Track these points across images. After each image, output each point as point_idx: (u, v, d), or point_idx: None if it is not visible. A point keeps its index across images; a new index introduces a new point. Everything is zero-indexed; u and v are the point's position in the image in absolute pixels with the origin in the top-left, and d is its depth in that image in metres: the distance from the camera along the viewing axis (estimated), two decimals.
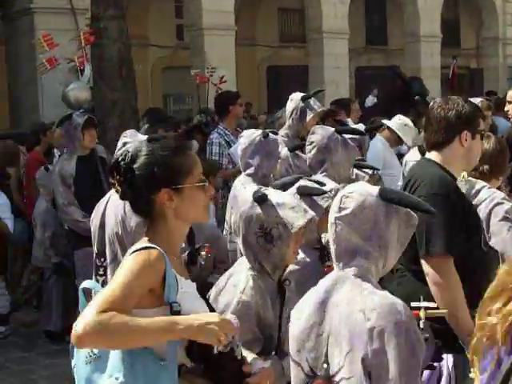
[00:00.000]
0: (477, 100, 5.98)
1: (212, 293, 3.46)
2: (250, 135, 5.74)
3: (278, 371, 3.19)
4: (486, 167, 4.66)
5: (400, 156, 8.30)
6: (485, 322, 2.27)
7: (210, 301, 3.23)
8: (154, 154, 2.81)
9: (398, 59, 23.53)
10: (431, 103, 4.17)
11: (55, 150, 9.15)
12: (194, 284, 2.94)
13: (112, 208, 4.86)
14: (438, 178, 3.83)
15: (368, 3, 26.60)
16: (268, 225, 3.31)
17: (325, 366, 2.64)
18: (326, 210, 2.99)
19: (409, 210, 2.74)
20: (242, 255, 5.82)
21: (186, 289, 2.82)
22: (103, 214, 4.97)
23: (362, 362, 2.54)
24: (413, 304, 3.12)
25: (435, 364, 3.60)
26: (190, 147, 2.98)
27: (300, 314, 2.75)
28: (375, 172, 6.19)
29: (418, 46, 22.22)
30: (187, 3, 18.58)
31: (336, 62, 19.88)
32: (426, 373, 3.57)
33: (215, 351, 2.68)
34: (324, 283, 2.75)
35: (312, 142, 5.18)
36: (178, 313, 2.66)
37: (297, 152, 6.15)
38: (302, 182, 4.27)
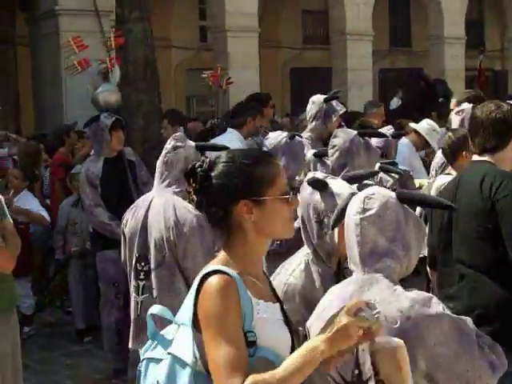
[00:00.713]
0: None
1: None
2: (277, 137, 5.74)
3: None
4: None
5: None
6: None
7: None
8: (234, 162, 2.59)
9: (422, 61, 23.43)
10: (476, 108, 4.24)
11: None
12: (277, 305, 2.70)
13: (158, 212, 4.82)
14: None
15: (392, 4, 26.49)
16: (323, 212, 3.33)
17: (356, 372, 2.62)
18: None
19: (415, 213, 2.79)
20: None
21: (264, 313, 2.56)
22: (145, 218, 4.89)
23: None
24: None
25: None
26: (274, 155, 2.80)
27: (320, 320, 2.69)
28: (405, 171, 6.17)
29: (442, 48, 22.08)
30: (211, 5, 18.62)
31: (360, 64, 19.81)
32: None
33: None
34: (348, 288, 2.75)
35: (334, 146, 5.18)
36: (254, 343, 2.48)
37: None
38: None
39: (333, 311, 2.61)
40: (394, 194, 2.78)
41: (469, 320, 2.72)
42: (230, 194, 2.56)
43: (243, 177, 2.56)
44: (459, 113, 6.63)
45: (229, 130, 7.81)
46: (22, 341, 4.95)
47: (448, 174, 5.59)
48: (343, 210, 2.90)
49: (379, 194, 2.76)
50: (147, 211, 4.89)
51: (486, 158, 4.06)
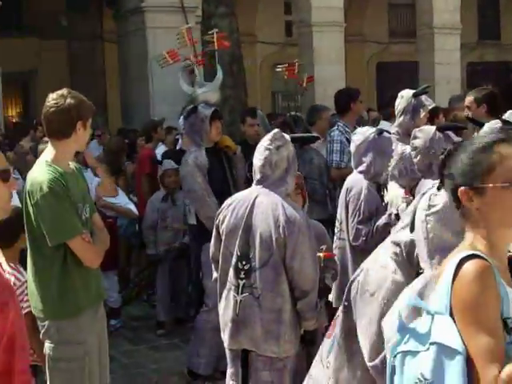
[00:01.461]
0: None
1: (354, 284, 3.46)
2: (364, 132, 5.66)
3: None
4: None
5: None
6: None
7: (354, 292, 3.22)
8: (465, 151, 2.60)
9: (511, 54, 22.89)
10: None
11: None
12: None
13: (265, 211, 4.72)
14: None
15: None
16: None
17: None
18: None
19: None
20: (350, 252, 5.84)
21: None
22: (248, 217, 4.77)
23: None
24: None
25: None
26: (499, 142, 2.65)
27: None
28: None
29: None
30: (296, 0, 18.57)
31: (447, 58, 19.45)
32: None
33: None
34: (416, 285, 2.74)
35: (416, 148, 5.08)
36: None
37: None
38: None
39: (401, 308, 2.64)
40: None
41: None
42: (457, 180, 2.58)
43: (467, 165, 2.56)
44: None
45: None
46: (108, 333, 4.99)
47: None
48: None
49: (444, 191, 2.73)
50: (251, 210, 4.77)
51: None
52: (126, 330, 8.19)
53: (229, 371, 5.06)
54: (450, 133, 5.31)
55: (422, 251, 2.77)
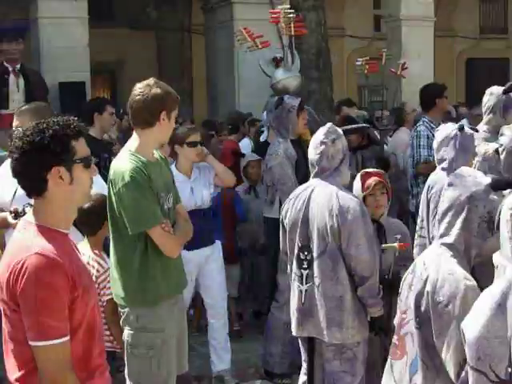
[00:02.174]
0: None
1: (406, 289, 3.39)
2: (446, 128, 5.57)
3: None
4: None
5: None
6: None
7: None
8: None
9: None
10: None
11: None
12: None
13: (321, 202, 4.91)
14: None
15: None
16: (495, 213, 3.17)
17: (509, 370, 2.54)
18: None
19: None
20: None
21: None
22: (306, 209, 4.98)
23: None
24: None
25: None
26: None
27: (475, 321, 2.64)
28: None
29: None
30: None
31: None
32: None
33: None
34: (499, 285, 2.64)
35: (501, 145, 4.98)
36: None
37: None
38: None
39: (482, 307, 2.62)
40: None
41: None
42: None
43: None
44: None
45: None
46: (188, 323, 5.02)
47: None
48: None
49: None
50: (308, 202, 4.98)
51: None
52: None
53: (303, 363, 5.17)
54: None
55: (506, 250, 2.68)
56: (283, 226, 5.20)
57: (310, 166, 5.12)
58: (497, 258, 2.77)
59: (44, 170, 3.01)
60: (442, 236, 3.34)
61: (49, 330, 2.91)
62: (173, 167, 6.03)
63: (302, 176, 6.60)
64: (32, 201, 2.95)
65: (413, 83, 12.66)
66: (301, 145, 6.82)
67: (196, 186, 6.29)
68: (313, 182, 5.08)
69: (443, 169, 5.56)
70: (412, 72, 12.89)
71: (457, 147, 5.40)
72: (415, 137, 7.81)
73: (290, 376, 6.63)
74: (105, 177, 4.85)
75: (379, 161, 8.13)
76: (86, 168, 3.11)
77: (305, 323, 5.01)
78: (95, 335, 3.15)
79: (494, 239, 3.16)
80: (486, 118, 6.60)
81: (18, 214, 4.79)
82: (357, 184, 5.35)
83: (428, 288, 3.22)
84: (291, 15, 7.71)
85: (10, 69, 9.87)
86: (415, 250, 5.45)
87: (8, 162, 5.35)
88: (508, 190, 3.19)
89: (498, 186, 3.37)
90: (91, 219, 4.96)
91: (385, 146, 9.60)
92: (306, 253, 4.97)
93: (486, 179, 3.32)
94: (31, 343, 2.93)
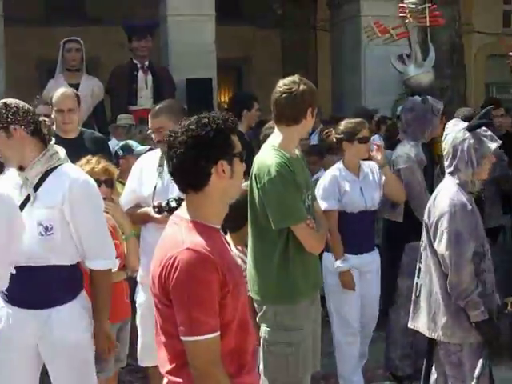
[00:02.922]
0: None
1: None
2: None
3: None
4: None
5: None
6: None
7: None
8: None
9: None
10: None
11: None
12: None
13: (437, 199, 4.79)
14: None
15: None
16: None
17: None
18: None
19: None
20: None
21: None
22: (431, 206, 4.83)
23: None
24: None
25: None
26: None
27: None
28: None
29: None
30: None
31: None
32: None
33: None
34: None
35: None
36: None
37: None
38: None
39: None
40: None
41: None
42: None
43: None
44: None
45: None
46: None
47: None
48: None
49: None
50: (433, 201, 4.83)
51: None
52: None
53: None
54: None
55: None
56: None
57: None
58: None
59: (210, 164, 3.02)
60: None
61: (200, 325, 2.92)
62: (340, 165, 5.99)
63: (430, 180, 6.49)
64: (173, 195, 2.99)
65: None
66: (430, 149, 6.67)
67: (365, 186, 6.07)
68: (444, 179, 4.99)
69: None
70: None
71: None
72: None
73: (419, 378, 6.49)
74: None
75: None
76: (242, 162, 3.13)
77: (415, 315, 4.95)
78: (248, 331, 3.15)
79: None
80: None
81: (161, 209, 4.84)
82: None
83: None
84: (425, 5, 7.53)
85: (139, 66, 10.06)
86: None
87: (145, 157, 5.46)
88: None
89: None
90: (235, 216, 4.93)
91: None
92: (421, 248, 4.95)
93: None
94: (182, 338, 2.95)
